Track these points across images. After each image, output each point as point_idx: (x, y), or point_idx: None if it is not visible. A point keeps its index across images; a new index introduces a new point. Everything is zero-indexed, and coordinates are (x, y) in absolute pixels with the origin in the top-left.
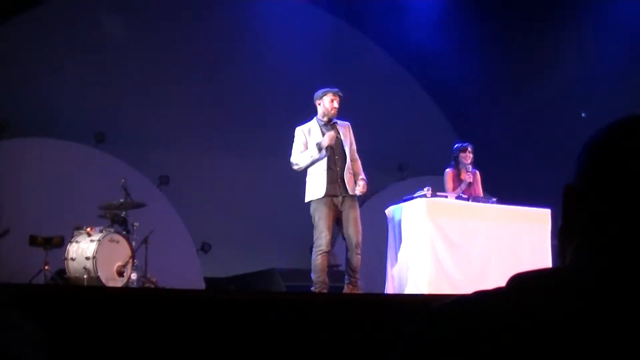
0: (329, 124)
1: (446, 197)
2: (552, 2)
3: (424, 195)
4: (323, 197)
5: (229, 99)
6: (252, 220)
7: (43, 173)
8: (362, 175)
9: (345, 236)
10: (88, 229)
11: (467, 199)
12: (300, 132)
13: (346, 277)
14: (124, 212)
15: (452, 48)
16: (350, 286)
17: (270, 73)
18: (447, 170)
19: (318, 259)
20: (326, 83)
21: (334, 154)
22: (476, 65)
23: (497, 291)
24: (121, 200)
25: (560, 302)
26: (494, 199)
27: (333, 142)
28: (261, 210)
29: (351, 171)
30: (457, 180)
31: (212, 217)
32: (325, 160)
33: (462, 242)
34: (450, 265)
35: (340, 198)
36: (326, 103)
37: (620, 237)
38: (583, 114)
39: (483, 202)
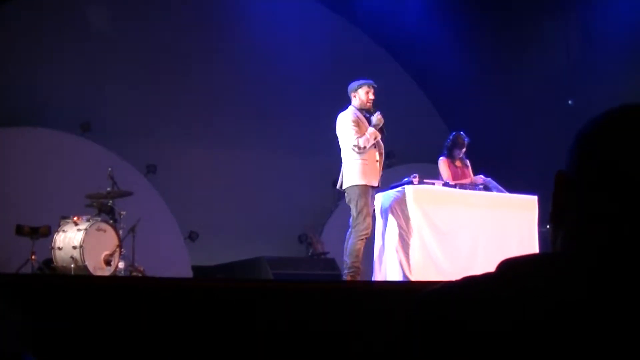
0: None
1: (433, 184)
2: None
3: (411, 183)
4: (372, 185)
5: (216, 88)
6: (240, 209)
7: (29, 162)
8: None
9: None
10: (75, 218)
11: (454, 186)
12: (350, 114)
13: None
14: (110, 201)
15: (439, 35)
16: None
17: (256, 62)
18: (441, 158)
19: (358, 244)
20: (311, 70)
21: (377, 147)
22: (463, 53)
23: (487, 276)
24: (108, 189)
25: (552, 287)
26: (481, 186)
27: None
28: (248, 198)
29: None
30: (453, 167)
31: (199, 206)
32: (376, 150)
33: (449, 229)
34: (438, 253)
35: (374, 190)
36: (362, 95)
37: (609, 224)
38: (570, 102)
39: (470, 189)
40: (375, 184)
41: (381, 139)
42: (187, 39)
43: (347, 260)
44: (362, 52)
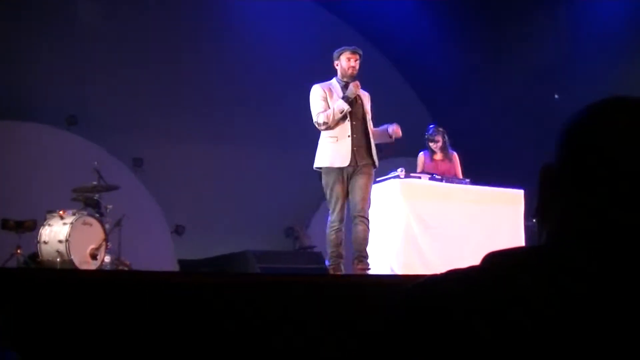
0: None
1: (419, 178)
2: None
3: (398, 177)
4: (339, 166)
5: (203, 81)
6: (226, 203)
7: (14, 156)
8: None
9: (351, 204)
10: (61, 212)
11: (441, 180)
12: (319, 89)
13: (353, 252)
14: (96, 195)
15: (426, 29)
16: (356, 262)
17: (243, 57)
18: (420, 153)
19: (332, 234)
20: (296, 63)
21: (353, 119)
22: (451, 48)
23: (471, 269)
24: (94, 182)
25: (538, 280)
26: (467, 180)
27: (359, 91)
28: (235, 192)
29: (370, 138)
30: (430, 160)
31: (186, 200)
32: (348, 125)
33: (436, 223)
34: (425, 246)
35: (352, 168)
36: (343, 62)
37: (597, 217)
38: (556, 96)
39: (457, 183)
40: (346, 163)
41: (362, 110)
42: (174, 34)
43: (327, 250)
44: (348, 44)
